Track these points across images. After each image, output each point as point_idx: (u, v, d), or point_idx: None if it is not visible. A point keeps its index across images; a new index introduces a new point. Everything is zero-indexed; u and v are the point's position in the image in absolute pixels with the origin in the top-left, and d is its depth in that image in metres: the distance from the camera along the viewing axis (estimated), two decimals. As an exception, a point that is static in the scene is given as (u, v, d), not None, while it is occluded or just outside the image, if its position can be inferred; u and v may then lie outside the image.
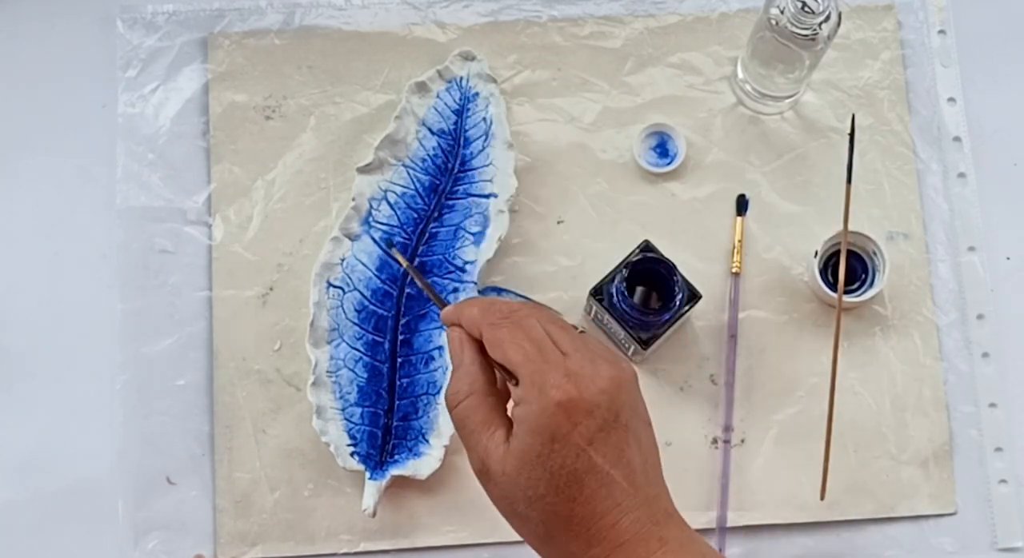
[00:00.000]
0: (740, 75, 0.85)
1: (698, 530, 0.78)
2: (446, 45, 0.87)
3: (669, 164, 0.85)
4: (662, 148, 0.85)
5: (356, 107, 0.86)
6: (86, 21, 0.88)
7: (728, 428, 0.80)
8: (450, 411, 0.60)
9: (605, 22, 0.88)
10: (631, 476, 0.57)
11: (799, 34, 0.76)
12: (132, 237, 0.84)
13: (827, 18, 0.75)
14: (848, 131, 0.81)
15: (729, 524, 0.79)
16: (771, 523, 0.80)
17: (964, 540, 0.80)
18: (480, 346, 0.60)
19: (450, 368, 0.78)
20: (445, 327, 0.63)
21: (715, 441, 0.81)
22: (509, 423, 0.58)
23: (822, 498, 0.79)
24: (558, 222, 0.84)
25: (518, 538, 0.79)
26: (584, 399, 0.56)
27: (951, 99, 0.87)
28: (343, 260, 0.81)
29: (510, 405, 0.58)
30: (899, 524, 0.80)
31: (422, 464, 0.78)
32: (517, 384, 0.57)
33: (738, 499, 0.80)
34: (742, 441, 0.81)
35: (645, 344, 0.76)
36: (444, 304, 0.65)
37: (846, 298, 0.80)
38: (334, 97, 0.86)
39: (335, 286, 0.80)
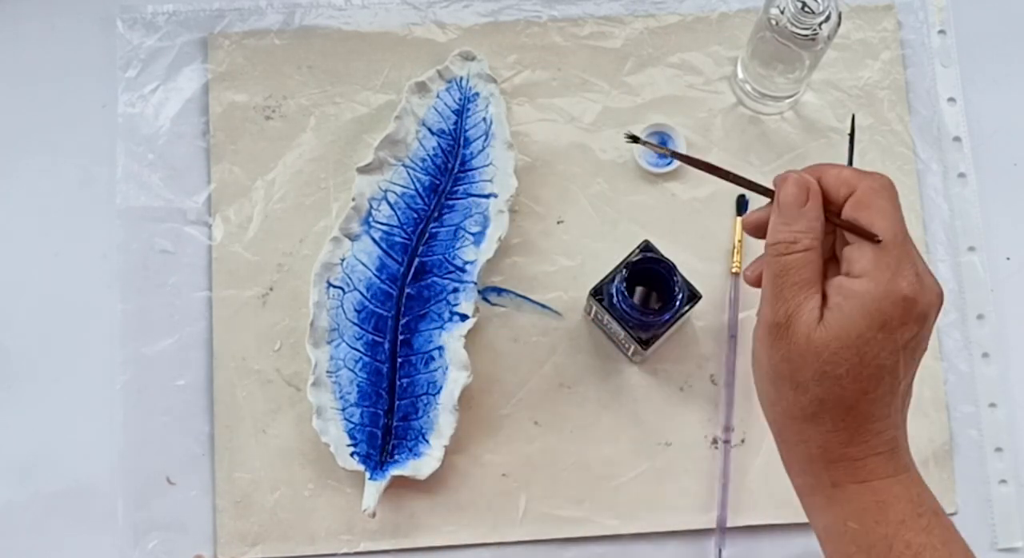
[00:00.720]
0: (740, 75, 0.85)
1: (698, 530, 0.80)
2: (446, 45, 0.87)
3: (669, 164, 0.85)
4: (661, 141, 0.85)
5: (356, 107, 0.86)
6: (86, 21, 0.88)
7: (728, 428, 0.80)
8: (773, 257, 0.56)
9: (605, 22, 0.88)
10: (906, 395, 0.57)
11: (799, 34, 0.76)
12: (132, 237, 0.84)
13: (827, 18, 0.75)
14: (848, 131, 0.81)
15: (729, 524, 0.79)
16: (771, 523, 0.80)
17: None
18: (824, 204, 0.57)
19: (451, 368, 0.79)
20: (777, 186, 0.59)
21: (715, 441, 0.81)
22: (825, 297, 0.56)
23: (822, 498, 0.79)
24: (558, 222, 0.84)
25: (518, 538, 0.80)
26: (921, 305, 0.55)
27: (951, 99, 0.87)
28: (343, 260, 0.81)
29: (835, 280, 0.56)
30: (899, 524, 0.80)
31: (422, 464, 0.78)
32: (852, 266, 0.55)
33: (738, 499, 0.80)
34: (742, 441, 0.81)
35: (645, 344, 0.76)
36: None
37: (846, 298, 0.80)
38: (334, 97, 0.86)
39: (335, 286, 0.80)
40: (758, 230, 0.61)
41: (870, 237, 0.55)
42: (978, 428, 0.82)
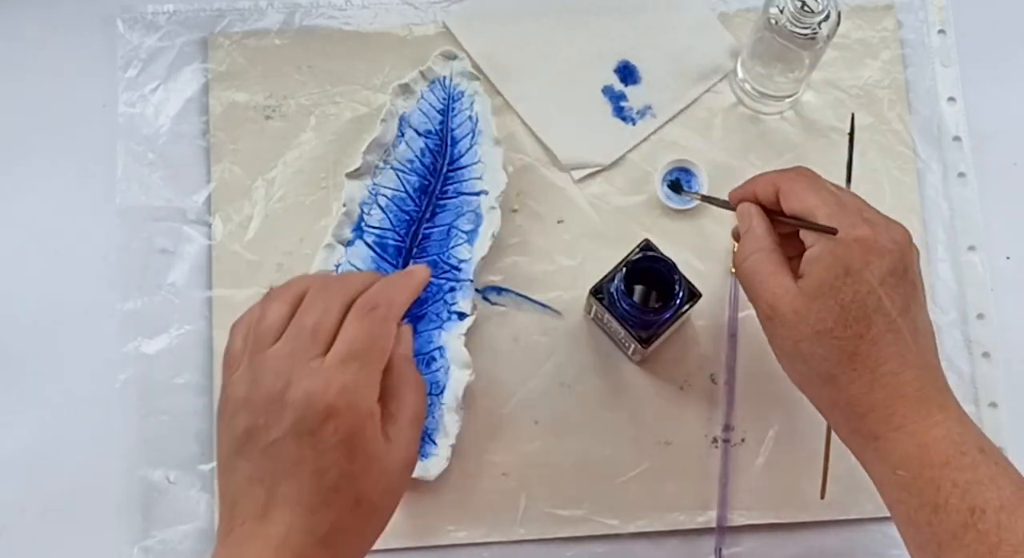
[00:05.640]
0: (740, 75, 0.85)
1: (698, 530, 0.79)
2: (446, 45, 0.87)
3: (691, 201, 0.84)
4: (686, 185, 0.84)
5: (356, 107, 0.86)
6: (86, 21, 0.88)
7: (728, 427, 0.80)
8: (738, 268, 0.63)
9: (605, 22, 0.88)
10: (914, 333, 0.59)
11: (799, 33, 0.76)
12: (132, 237, 0.84)
13: (827, 17, 0.75)
14: (848, 131, 0.81)
15: (729, 523, 0.79)
16: (771, 523, 0.80)
17: (964, 540, 0.80)
18: (766, 213, 0.64)
19: (453, 367, 0.79)
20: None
21: (715, 440, 0.81)
22: (798, 277, 0.60)
23: (822, 497, 0.79)
24: (558, 222, 0.84)
25: (518, 537, 0.80)
26: (879, 242, 0.59)
27: (951, 99, 0.87)
28: (338, 266, 0.81)
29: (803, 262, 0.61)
30: (899, 524, 0.80)
31: (430, 465, 0.78)
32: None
33: (738, 498, 0.80)
34: (742, 440, 0.81)
35: (645, 343, 0.76)
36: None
37: (846, 297, 0.80)
38: (334, 97, 0.86)
39: (331, 294, 0.80)
40: None
41: (826, 228, 0.60)
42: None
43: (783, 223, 0.64)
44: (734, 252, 0.82)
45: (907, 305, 0.59)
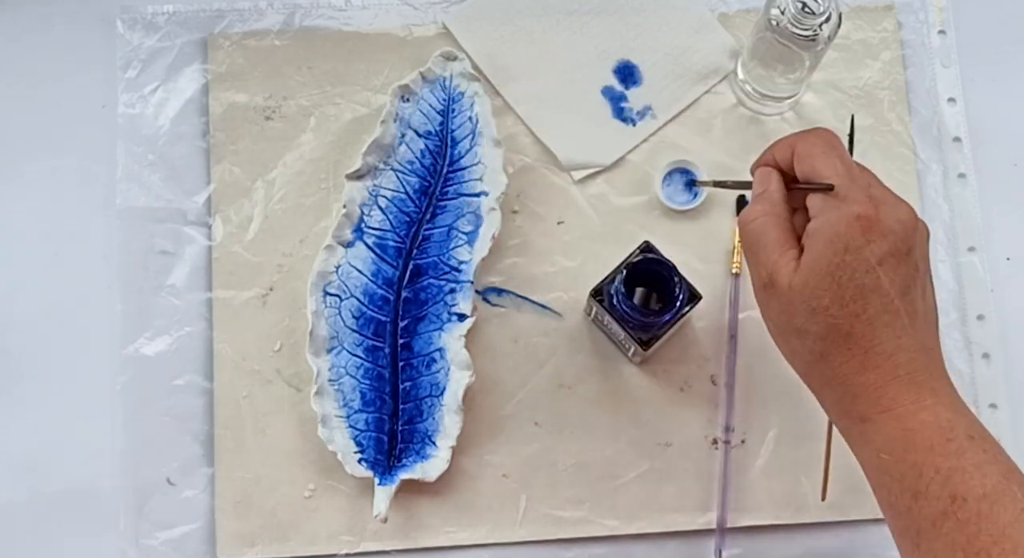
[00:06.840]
0: (740, 75, 0.85)
1: (698, 530, 0.79)
2: (446, 46, 0.87)
3: (694, 199, 0.84)
4: (686, 186, 0.85)
5: (356, 107, 0.86)
6: (86, 21, 0.88)
7: (728, 428, 0.80)
8: (743, 228, 0.62)
9: (605, 22, 0.88)
10: (913, 315, 0.59)
11: (799, 35, 0.76)
12: (132, 237, 0.84)
13: (827, 19, 0.75)
14: (848, 132, 0.81)
15: (729, 524, 0.79)
16: (771, 524, 0.80)
17: (964, 541, 0.80)
18: (785, 180, 0.63)
19: (453, 368, 0.79)
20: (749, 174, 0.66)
21: (715, 442, 0.81)
22: (801, 249, 0.60)
23: (823, 499, 0.79)
24: (558, 223, 0.84)
25: (518, 539, 0.80)
26: (881, 221, 0.58)
27: (951, 99, 0.87)
28: (338, 268, 0.81)
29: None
30: (899, 525, 0.80)
31: (430, 466, 0.78)
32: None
33: (738, 499, 0.80)
34: (742, 441, 0.81)
35: (645, 345, 0.76)
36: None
37: (846, 299, 0.80)
38: (334, 98, 0.86)
39: (331, 294, 0.80)
40: None
41: (822, 186, 0.60)
42: (978, 428, 0.82)
43: (796, 190, 0.63)
44: (735, 252, 0.83)
45: (907, 287, 0.59)
